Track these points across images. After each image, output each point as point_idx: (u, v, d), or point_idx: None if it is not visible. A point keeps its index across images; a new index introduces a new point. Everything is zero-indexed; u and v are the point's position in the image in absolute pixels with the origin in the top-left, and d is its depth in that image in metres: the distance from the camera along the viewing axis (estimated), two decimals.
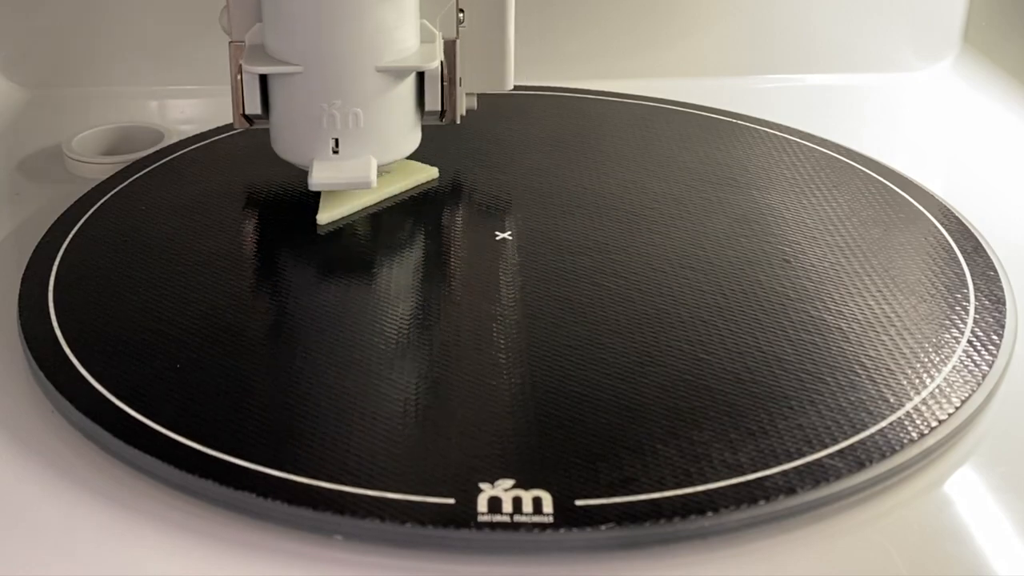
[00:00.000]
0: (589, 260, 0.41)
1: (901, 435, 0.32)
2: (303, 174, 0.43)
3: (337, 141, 0.42)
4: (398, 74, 0.42)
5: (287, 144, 0.44)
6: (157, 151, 0.50)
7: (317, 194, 0.45)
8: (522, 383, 0.34)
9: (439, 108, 0.44)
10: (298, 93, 0.42)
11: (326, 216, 0.44)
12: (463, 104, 0.47)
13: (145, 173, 0.48)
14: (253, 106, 0.43)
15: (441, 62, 0.44)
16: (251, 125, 0.44)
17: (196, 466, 0.31)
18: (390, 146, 0.44)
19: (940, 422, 0.33)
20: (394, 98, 0.43)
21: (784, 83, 0.62)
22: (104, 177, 0.48)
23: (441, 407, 0.33)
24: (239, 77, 0.43)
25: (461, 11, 0.45)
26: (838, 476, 0.31)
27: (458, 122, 0.46)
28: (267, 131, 0.44)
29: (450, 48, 0.45)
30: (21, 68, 0.60)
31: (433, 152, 0.49)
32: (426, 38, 0.44)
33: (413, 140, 0.45)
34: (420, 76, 0.44)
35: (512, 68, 0.48)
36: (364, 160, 0.42)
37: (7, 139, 0.55)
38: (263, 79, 0.43)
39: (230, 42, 0.44)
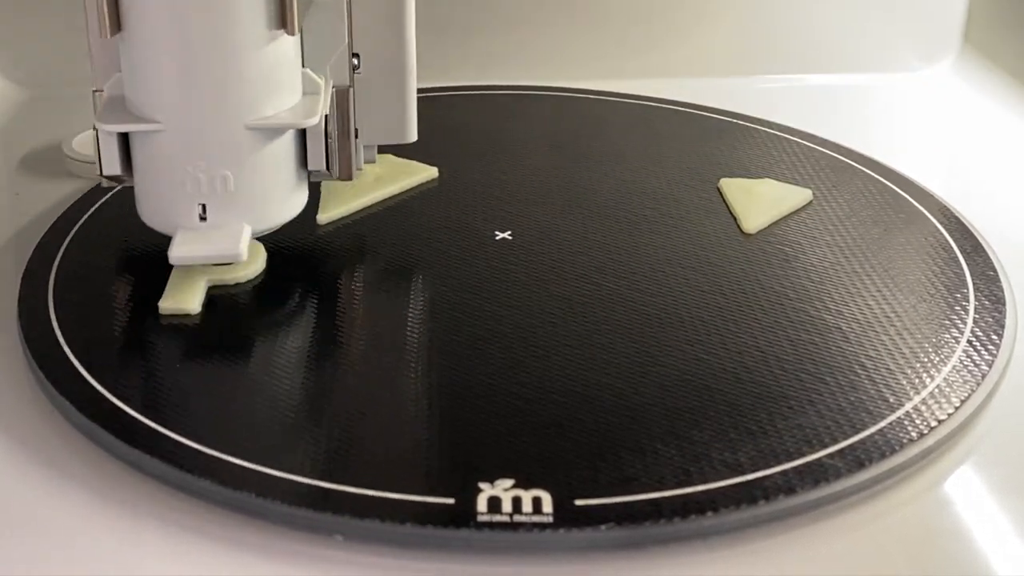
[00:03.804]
0: (589, 260, 0.41)
1: (901, 435, 0.32)
2: None
3: (204, 207, 0.38)
4: (272, 131, 0.38)
5: (150, 210, 0.39)
6: None
7: (317, 193, 0.45)
8: (521, 383, 0.34)
9: (323, 167, 0.40)
10: (160, 153, 0.38)
11: (326, 216, 0.44)
12: (360, 157, 0.43)
13: None
14: (112, 166, 0.38)
15: (326, 115, 0.39)
16: (118, 184, 0.40)
17: (196, 466, 0.31)
18: (267, 211, 0.39)
19: (940, 422, 0.33)
20: (269, 158, 0.38)
21: (784, 83, 0.62)
22: None
23: (440, 407, 0.33)
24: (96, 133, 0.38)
25: (356, 55, 0.41)
26: (838, 476, 0.31)
27: (353, 179, 0.41)
28: None
29: (343, 97, 0.41)
30: (21, 68, 0.59)
31: (433, 152, 0.49)
32: (309, 89, 0.39)
33: (297, 202, 0.40)
34: (302, 132, 0.39)
35: (415, 116, 0.43)
36: (235, 229, 0.38)
37: (7, 139, 0.55)
38: (123, 136, 0.38)
39: (93, 91, 0.40)
